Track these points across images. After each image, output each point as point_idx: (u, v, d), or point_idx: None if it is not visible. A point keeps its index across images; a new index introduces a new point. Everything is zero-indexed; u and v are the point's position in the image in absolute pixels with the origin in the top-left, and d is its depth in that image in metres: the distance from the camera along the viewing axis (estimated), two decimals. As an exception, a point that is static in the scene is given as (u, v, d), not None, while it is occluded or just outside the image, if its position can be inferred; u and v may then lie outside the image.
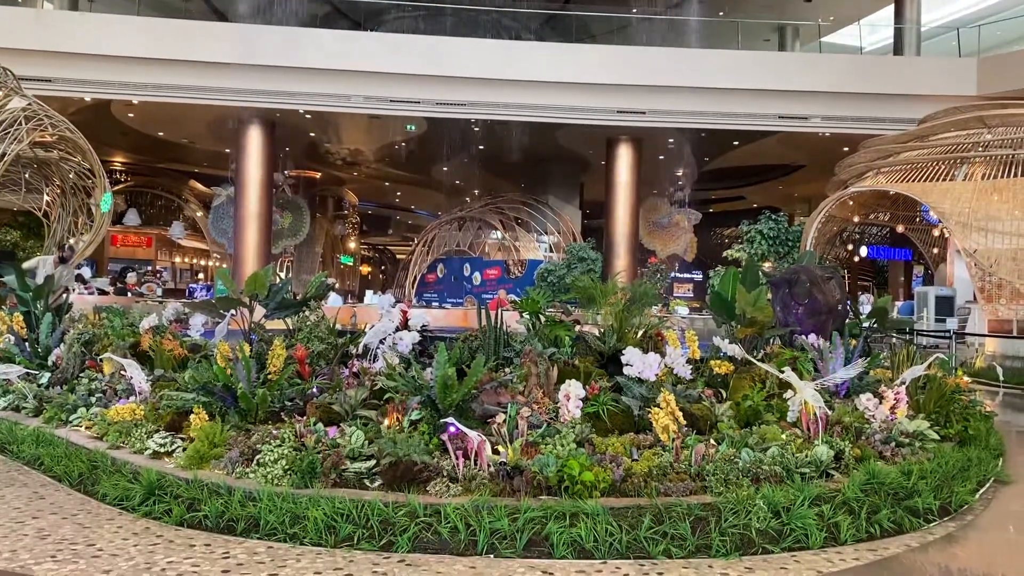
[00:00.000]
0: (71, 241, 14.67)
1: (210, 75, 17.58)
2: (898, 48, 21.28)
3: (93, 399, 5.80)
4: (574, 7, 23.55)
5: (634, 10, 21.10)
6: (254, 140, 19.48)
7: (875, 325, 8.30)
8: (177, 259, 29.26)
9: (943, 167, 14.21)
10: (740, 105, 18.51)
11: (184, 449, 4.54)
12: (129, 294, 19.42)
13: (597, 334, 6.74)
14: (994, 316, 12.65)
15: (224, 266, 24.71)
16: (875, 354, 7.07)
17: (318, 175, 26.61)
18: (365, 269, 40.31)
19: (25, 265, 8.69)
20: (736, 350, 6.01)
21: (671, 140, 20.79)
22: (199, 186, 27.00)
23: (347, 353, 6.18)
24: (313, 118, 19.65)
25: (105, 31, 17.52)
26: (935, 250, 18.49)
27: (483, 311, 6.20)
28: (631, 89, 18.59)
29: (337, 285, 26.48)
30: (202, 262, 30.31)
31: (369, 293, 22.38)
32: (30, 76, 14.84)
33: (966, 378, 6.48)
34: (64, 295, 8.37)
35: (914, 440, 5.08)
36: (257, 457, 4.17)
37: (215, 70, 17.54)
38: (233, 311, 6.35)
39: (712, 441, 4.57)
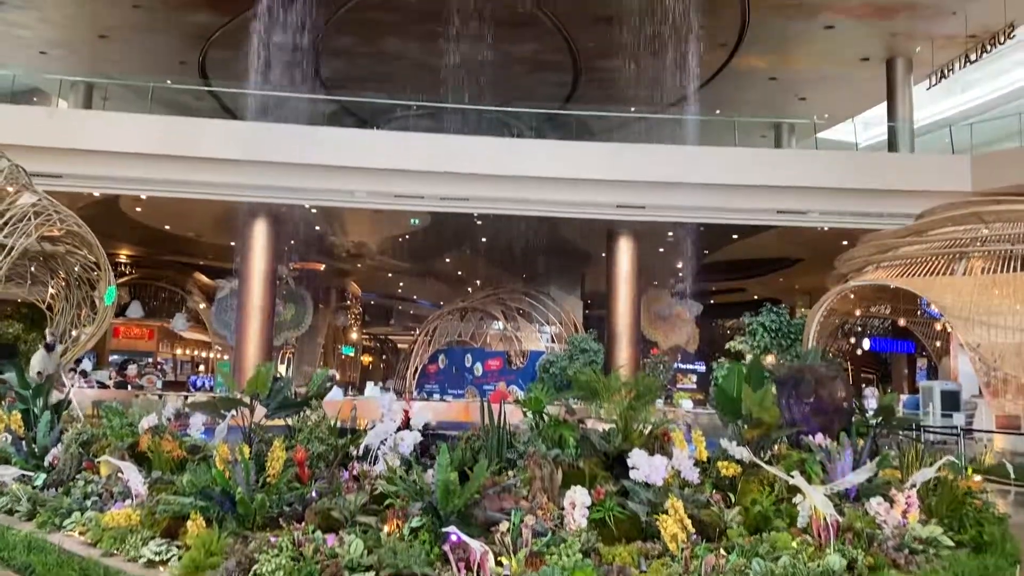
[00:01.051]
0: (74, 333, 14.69)
1: (219, 171, 17.90)
2: (892, 144, 21.75)
3: (88, 503, 5.69)
4: (573, 106, 24.21)
5: (632, 109, 21.63)
6: (259, 233, 19.69)
7: (882, 422, 8.21)
8: (178, 351, 29.23)
9: (942, 262, 14.30)
10: (738, 200, 18.79)
11: (180, 558, 4.43)
12: (129, 387, 19.32)
13: (601, 430, 6.66)
14: (1001, 412, 12.52)
15: (225, 358, 24.66)
16: (884, 454, 6.97)
17: (322, 267, 26.82)
18: (366, 359, 40.20)
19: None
20: (744, 453, 5.93)
21: (671, 233, 21.02)
22: (203, 278, 27.18)
23: (348, 455, 6.10)
24: (319, 212, 19.92)
25: (116, 129, 17.92)
26: (938, 343, 18.45)
27: (485, 406, 6.15)
28: (630, 184, 18.89)
29: (338, 376, 26.36)
30: (203, 354, 30.26)
31: (370, 385, 22.25)
32: (42, 172, 15.10)
33: (977, 478, 6.37)
34: (63, 395, 8.32)
35: (928, 547, 4.96)
36: (254, 567, 4.07)
37: (224, 166, 17.87)
38: (233, 411, 6.30)
39: (722, 551, 4.46)
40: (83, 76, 23.33)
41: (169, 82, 22.60)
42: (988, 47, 18.99)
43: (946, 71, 20.51)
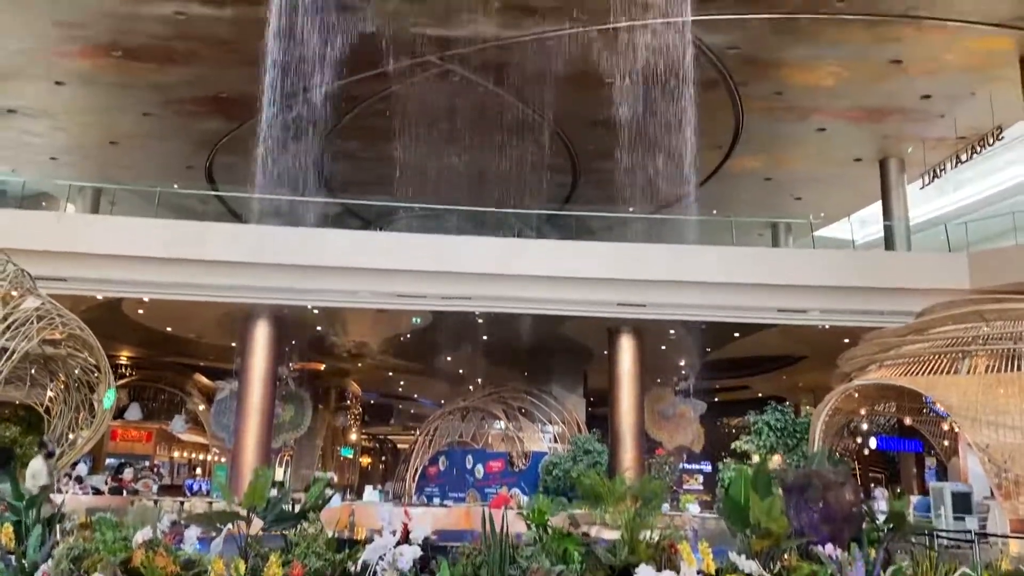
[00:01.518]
0: (71, 436, 14.54)
1: (223, 273, 18.05)
2: (889, 242, 22.01)
3: (77, 623, 5.50)
4: (573, 207, 24.63)
5: (630, 209, 21.98)
6: (261, 335, 19.70)
7: (894, 529, 8.00)
8: (176, 453, 28.85)
9: (946, 360, 14.23)
10: (738, 299, 18.87)
11: None
12: (124, 492, 18.98)
13: (606, 541, 6.50)
14: (1015, 515, 12.23)
15: (223, 461, 24.30)
16: (897, 565, 6.77)
17: (322, 367, 26.74)
18: (365, 461, 39.61)
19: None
20: (753, 567, 5.76)
21: (672, 331, 21.03)
22: (203, 380, 27.07)
23: (346, 570, 5.93)
24: (321, 312, 20.00)
25: (123, 232, 18.18)
26: (946, 442, 18.18)
27: (487, 515, 6.00)
28: (630, 283, 19.01)
29: (336, 479, 25.92)
30: (200, 456, 29.85)
31: (369, 489, 21.85)
32: (46, 276, 15.24)
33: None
34: (55, 503, 8.15)
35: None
36: None
37: (228, 269, 18.03)
38: (230, 524, 6.16)
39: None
40: (92, 181, 23.85)
41: (176, 186, 23.06)
42: (978, 148, 19.42)
43: (938, 171, 20.92)
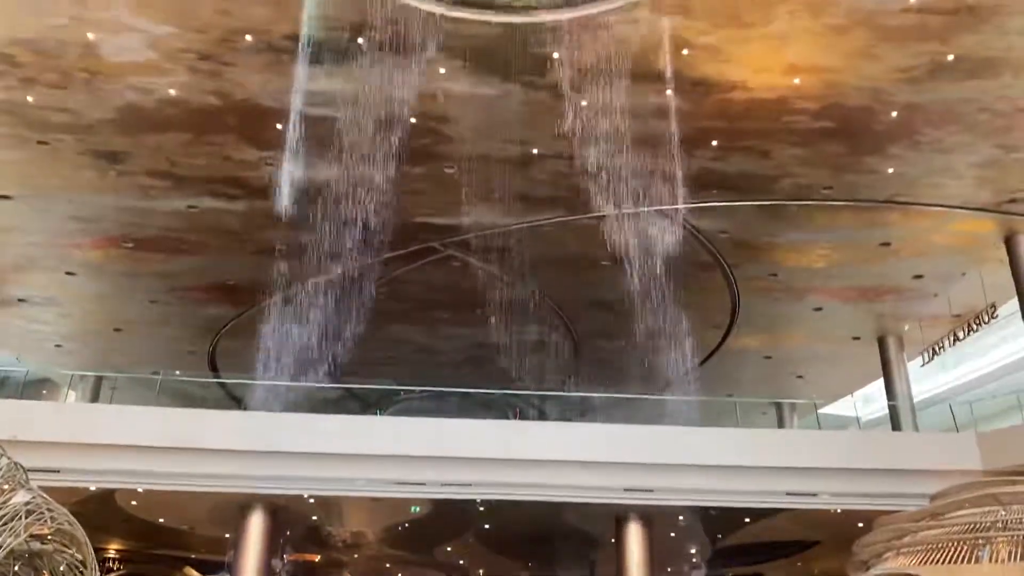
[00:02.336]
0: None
1: (219, 462, 17.68)
2: (895, 421, 21.74)
3: None
4: (575, 387, 24.53)
5: (632, 389, 21.91)
6: (255, 525, 19.01)
7: None
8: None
9: (965, 547, 13.67)
10: (747, 482, 18.39)
11: None
12: None
13: None
14: None
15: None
16: None
17: (317, 558, 25.72)
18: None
19: None
20: None
21: (682, 517, 20.36)
22: (194, 573, 25.97)
23: None
24: (317, 501, 19.44)
25: (121, 421, 17.98)
26: (975, 634, 17.16)
27: None
28: (637, 467, 18.58)
29: None
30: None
31: None
32: (39, 467, 14.88)
33: None
34: None
35: None
36: None
37: (226, 457, 17.69)
38: None
39: None
40: (95, 366, 23.95)
41: (178, 373, 23.11)
42: (974, 326, 19.59)
43: (937, 349, 21.01)
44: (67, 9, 11.83)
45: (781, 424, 25.90)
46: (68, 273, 20.33)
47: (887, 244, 18.52)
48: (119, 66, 13.01)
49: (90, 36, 12.34)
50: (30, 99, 13.74)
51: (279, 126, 14.47)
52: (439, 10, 11.99)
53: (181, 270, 20.23)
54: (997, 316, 19.37)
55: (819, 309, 21.81)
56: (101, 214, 17.65)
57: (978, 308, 19.81)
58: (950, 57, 12.58)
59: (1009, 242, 17.80)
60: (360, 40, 12.57)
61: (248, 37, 12.43)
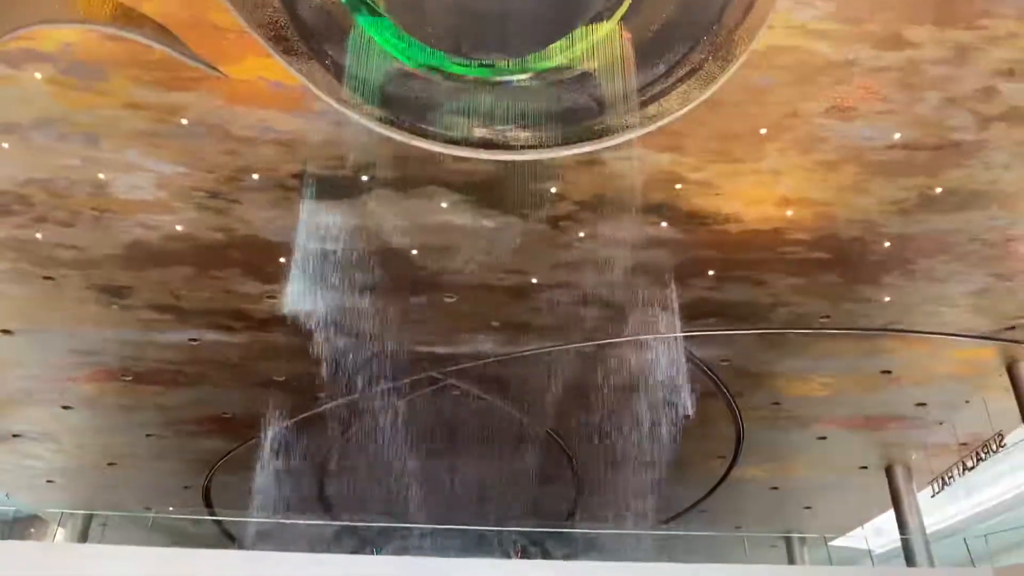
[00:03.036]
0: None
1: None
2: (908, 554, 21.08)
3: None
4: (578, 524, 23.91)
5: (635, 527, 21.36)
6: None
7: None
8: None
9: None
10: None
11: None
12: None
13: None
14: None
15: None
16: None
17: None
18: None
19: None
20: None
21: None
22: None
23: None
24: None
25: (111, 562, 17.40)
26: None
27: None
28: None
29: None
30: None
31: None
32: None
33: None
34: None
35: None
36: None
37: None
38: None
39: None
40: (87, 502, 23.42)
41: (172, 509, 22.59)
42: (982, 455, 19.29)
43: (946, 479, 20.60)
44: (81, 151, 12.22)
45: (792, 559, 25.11)
46: (64, 407, 20.16)
47: (888, 372, 18.46)
48: (128, 204, 13.33)
49: (101, 176, 12.71)
50: (39, 236, 14.00)
51: (282, 260, 14.69)
52: (441, 149, 12.37)
53: (178, 403, 20.08)
54: (1005, 445, 19.10)
55: (824, 438, 21.52)
56: (101, 347, 17.66)
57: (985, 436, 19.54)
58: (938, 190, 12.92)
59: (1011, 370, 17.76)
60: (364, 177, 12.94)
61: (255, 176, 12.80)
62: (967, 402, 19.35)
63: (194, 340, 17.50)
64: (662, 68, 11.40)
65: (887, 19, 9.95)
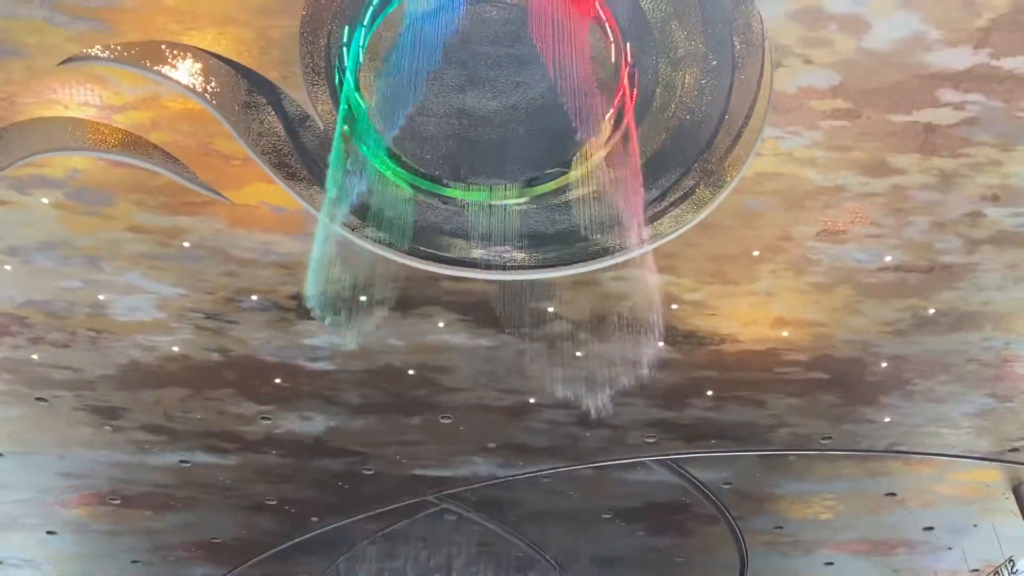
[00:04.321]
0: None
1: None
2: None
3: None
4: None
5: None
6: None
7: None
8: None
9: None
10: None
11: None
12: None
13: None
14: None
15: None
16: None
17: None
18: None
19: None
20: None
21: None
22: None
23: None
24: None
25: None
26: None
27: None
28: None
29: None
30: None
31: None
32: None
33: None
34: None
35: None
36: None
37: None
38: None
39: None
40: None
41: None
42: (996, 582, 18.73)
43: (961, 607, 19.92)
44: (83, 273, 12.33)
45: None
46: (49, 532, 19.63)
47: (893, 494, 18.14)
48: (126, 325, 13.36)
49: (101, 297, 12.78)
50: (35, 357, 13.97)
51: (278, 380, 14.62)
52: (439, 270, 12.51)
53: (167, 527, 19.58)
54: (1017, 571, 18.55)
55: (831, 564, 20.91)
56: (92, 470, 17.34)
57: (996, 562, 19.02)
58: (931, 311, 13.00)
59: (1017, 492, 17.44)
60: (363, 297, 13.02)
61: (254, 297, 12.88)
62: (975, 526, 18.91)
63: (185, 462, 17.21)
64: (655, 192, 11.67)
65: (872, 147, 10.24)
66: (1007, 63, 8.93)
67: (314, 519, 19.28)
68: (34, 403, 15.08)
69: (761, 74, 9.86)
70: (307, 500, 18.45)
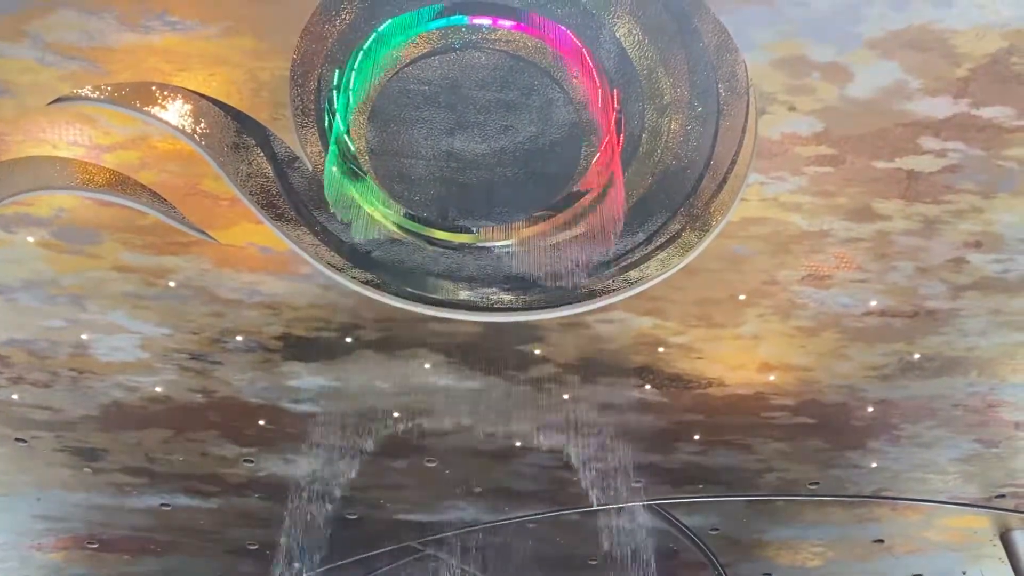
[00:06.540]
0: None
1: None
2: None
3: None
4: None
5: None
6: None
7: None
8: None
9: None
10: None
11: None
12: None
13: None
14: None
15: None
16: None
17: None
18: None
19: None
20: None
21: None
22: None
23: None
24: None
25: None
26: None
27: None
28: None
29: None
30: None
31: None
32: None
33: None
34: None
35: None
36: None
37: None
38: None
39: None
40: None
41: None
42: (985, 631, 18.54)
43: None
44: (67, 312, 12.23)
45: None
46: (24, 577, 19.25)
47: (881, 541, 18.04)
48: (109, 365, 13.23)
49: (84, 337, 12.67)
50: (15, 397, 13.79)
51: (261, 422, 14.48)
52: (425, 311, 12.48)
53: (145, 571, 19.23)
54: (1006, 619, 18.35)
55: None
56: (70, 513, 17.05)
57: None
58: (916, 356, 13.05)
59: (1004, 539, 17.37)
60: (348, 339, 12.96)
61: (239, 337, 12.80)
62: (963, 573, 18.80)
63: (166, 505, 16.95)
64: (641, 236, 11.73)
65: (856, 193, 10.34)
66: (986, 112, 9.06)
67: (296, 564, 18.95)
68: (13, 444, 14.86)
69: (746, 121, 9.97)
70: (289, 544, 18.16)
